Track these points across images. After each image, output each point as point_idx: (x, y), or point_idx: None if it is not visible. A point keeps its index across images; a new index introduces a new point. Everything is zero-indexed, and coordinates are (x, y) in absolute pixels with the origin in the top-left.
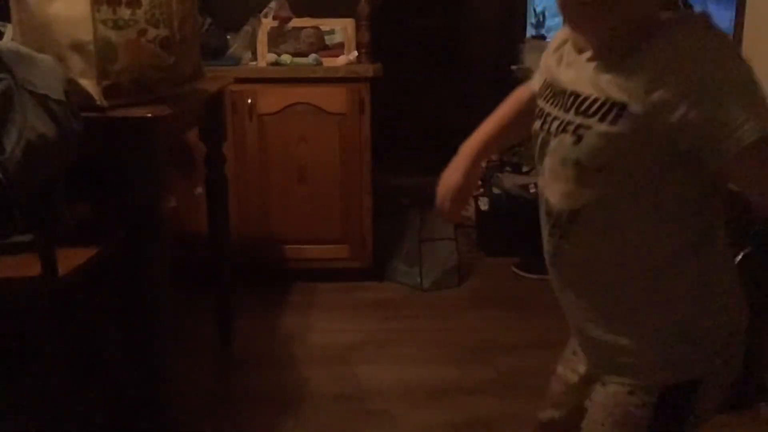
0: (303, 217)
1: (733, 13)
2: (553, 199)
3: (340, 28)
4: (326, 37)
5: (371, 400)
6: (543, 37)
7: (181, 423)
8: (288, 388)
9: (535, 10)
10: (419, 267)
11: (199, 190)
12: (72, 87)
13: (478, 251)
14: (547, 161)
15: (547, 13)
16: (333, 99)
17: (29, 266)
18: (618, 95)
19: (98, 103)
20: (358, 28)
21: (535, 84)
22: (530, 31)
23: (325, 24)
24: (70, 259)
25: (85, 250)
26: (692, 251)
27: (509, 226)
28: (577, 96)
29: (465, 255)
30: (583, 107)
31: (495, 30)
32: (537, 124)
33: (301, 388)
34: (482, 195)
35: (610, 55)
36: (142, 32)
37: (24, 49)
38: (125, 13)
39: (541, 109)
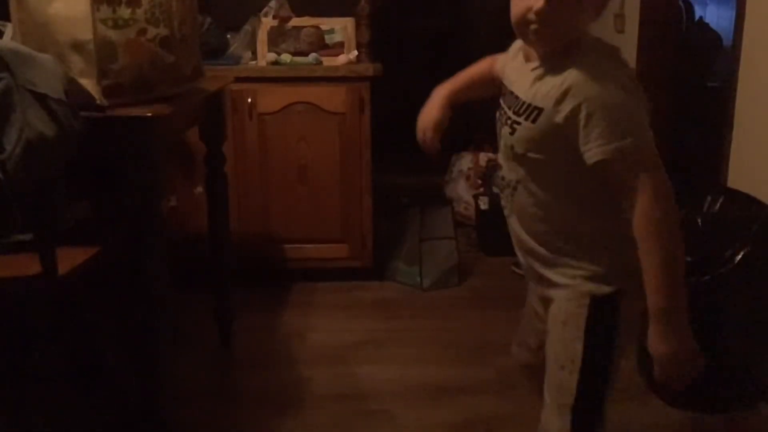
0: (303, 216)
1: (733, 13)
2: (506, 171)
3: (340, 28)
4: (326, 37)
5: (371, 400)
6: None
7: (181, 423)
8: (288, 388)
9: None
10: (419, 267)
11: (199, 189)
12: (72, 86)
13: (478, 251)
14: (501, 144)
15: None
16: (333, 98)
17: (29, 266)
18: (539, 102)
19: (98, 102)
20: (358, 27)
21: (494, 65)
22: None
23: (325, 23)
24: (70, 259)
25: (85, 250)
26: (599, 209)
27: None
28: (517, 98)
29: (465, 254)
30: (518, 108)
31: (495, 30)
32: (497, 114)
33: (301, 388)
34: (482, 194)
35: (550, 65)
36: (142, 31)
37: (24, 49)
38: (125, 12)
39: (499, 103)
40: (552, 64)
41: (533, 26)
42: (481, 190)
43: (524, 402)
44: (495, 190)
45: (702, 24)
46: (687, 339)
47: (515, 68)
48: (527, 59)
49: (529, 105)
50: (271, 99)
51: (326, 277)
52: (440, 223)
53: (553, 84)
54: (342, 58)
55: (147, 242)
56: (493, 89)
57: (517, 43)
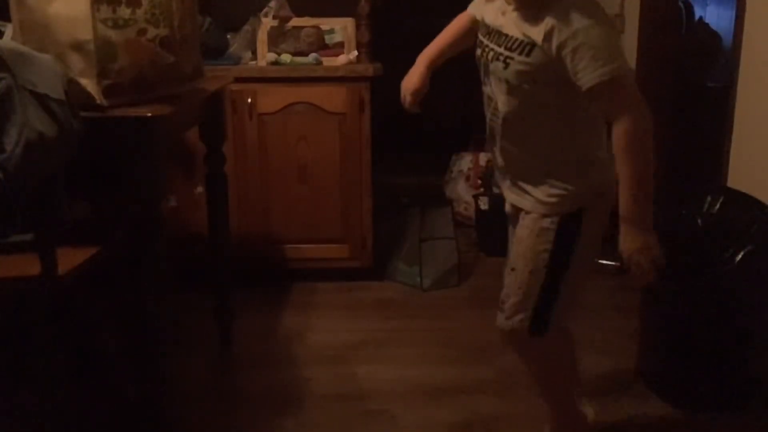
0: (303, 216)
1: (733, 13)
2: (499, 104)
3: (340, 28)
4: (326, 37)
5: (371, 400)
6: None
7: (181, 423)
8: (288, 388)
9: None
10: (419, 267)
11: (199, 190)
12: (72, 86)
13: (478, 251)
14: (491, 79)
15: None
16: (333, 98)
17: (29, 266)
18: (530, 37)
19: (98, 102)
20: (358, 27)
21: (471, 14)
22: None
23: (325, 23)
24: (70, 259)
25: (85, 250)
26: (577, 136)
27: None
28: (506, 36)
29: (465, 254)
30: (509, 44)
31: None
32: (478, 52)
33: (301, 388)
34: (482, 195)
35: (529, 7)
36: (142, 31)
37: (24, 49)
38: (125, 12)
39: (481, 41)
40: (532, 4)
41: None
42: (481, 190)
43: (524, 402)
44: (494, 182)
45: (702, 24)
46: (651, 236)
47: (498, 8)
48: (507, 1)
49: (522, 41)
50: (271, 99)
51: (326, 277)
52: (440, 223)
53: (539, 22)
54: (342, 59)
55: (147, 242)
56: (474, 39)
57: None
